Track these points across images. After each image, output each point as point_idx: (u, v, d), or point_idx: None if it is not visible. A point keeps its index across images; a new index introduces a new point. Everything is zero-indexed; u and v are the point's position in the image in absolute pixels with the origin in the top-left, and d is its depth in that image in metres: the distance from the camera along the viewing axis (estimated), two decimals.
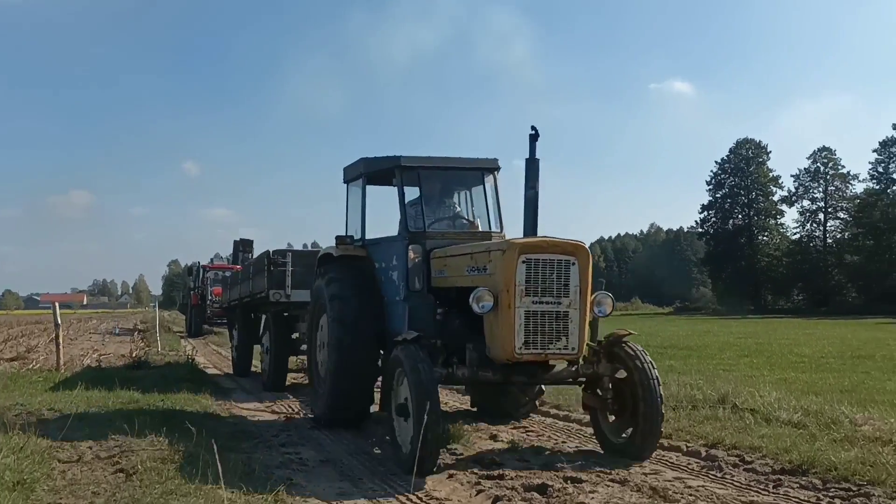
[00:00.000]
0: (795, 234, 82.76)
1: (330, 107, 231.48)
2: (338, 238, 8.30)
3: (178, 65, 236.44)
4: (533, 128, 7.43)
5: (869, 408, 8.33)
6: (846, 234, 77.84)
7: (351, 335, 7.63)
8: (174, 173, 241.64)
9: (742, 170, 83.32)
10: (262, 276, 11.41)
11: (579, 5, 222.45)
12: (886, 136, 71.81)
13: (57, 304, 12.72)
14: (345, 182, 9.03)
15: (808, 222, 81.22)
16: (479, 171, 8.38)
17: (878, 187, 72.85)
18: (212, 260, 38.34)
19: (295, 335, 11.65)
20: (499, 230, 8.17)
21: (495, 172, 8.41)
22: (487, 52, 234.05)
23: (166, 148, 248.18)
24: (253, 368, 13.83)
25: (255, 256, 37.96)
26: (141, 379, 10.41)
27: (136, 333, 30.42)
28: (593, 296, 6.65)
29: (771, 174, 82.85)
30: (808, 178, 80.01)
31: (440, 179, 8.39)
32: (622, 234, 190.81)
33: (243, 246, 35.59)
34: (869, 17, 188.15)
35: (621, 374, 6.66)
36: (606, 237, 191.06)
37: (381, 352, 7.88)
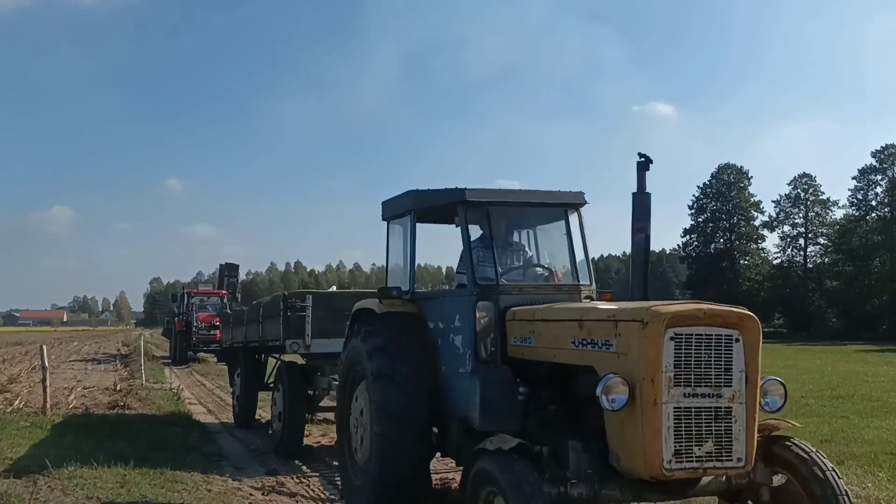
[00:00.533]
0: (777, 258, 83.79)
1: (318, 131, 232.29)
2: (381, 290, 6.73)
3: (163, 81, 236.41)
4: (642, 155, 6.14)
5: (847, 463, 8.51)
6: (826, 259, 78.83)
7: (399, 427, 6.08)
8: (157, 190, 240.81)
9: (724, 194, 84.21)
10: (277, 321, 9.74)
11: (564, 28, 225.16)
12: (865, 164, 73.04)
13: (45, 348, 12.65)
14: (385, 219, 7.46)
15: (788, 247, 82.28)
16: (562, 206, 6.82)
17: (857, 213, 73.89)
18: (196, 284, 38.09)
19: (313, 390, 10.12)
20: (588, 282, 6.68)
21: (580, 209, 6.85)
22: (467, 71, 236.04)
23: (149, 164, 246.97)
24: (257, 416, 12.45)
25: (239, 280, 35.24)
26: (129, 433, 10.26)
27: (118, 360, 29.90)
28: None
29: (752, 199, 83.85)
30: (789, 204, 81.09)
31: (513, 217, 6.97)
32: (605, 256, 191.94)
33: (229, 270, 34.06)
34: (849, 43, 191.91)
35: (780, 479, 5.19)
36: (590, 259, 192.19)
37: (435, 429, 6.34)
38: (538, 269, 7.03)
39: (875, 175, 72.74)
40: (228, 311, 13.79)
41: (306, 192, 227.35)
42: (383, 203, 7.47)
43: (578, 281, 6.67)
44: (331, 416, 10.75)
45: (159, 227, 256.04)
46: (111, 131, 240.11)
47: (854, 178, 74.32)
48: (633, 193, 6.15)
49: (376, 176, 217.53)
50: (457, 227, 6.49)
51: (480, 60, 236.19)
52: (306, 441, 10.04)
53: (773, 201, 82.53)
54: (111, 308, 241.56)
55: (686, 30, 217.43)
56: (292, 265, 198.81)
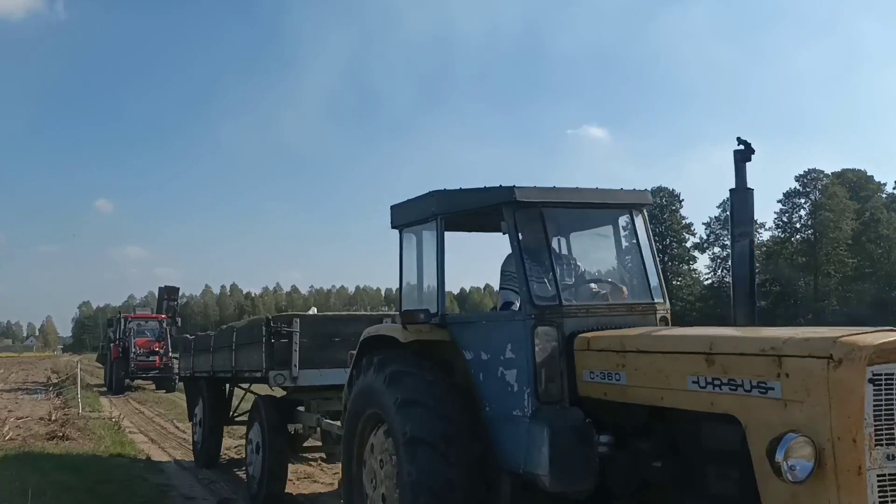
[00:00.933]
0: (708, 279, 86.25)
1: (252, 151, 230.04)
2: (406, 314, 5.51)
3: (93, 98, 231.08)
4: (741, 141, 4.88)
5: None
6: (755, 280, 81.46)
7: (440, 487, 4.82)
8: (85, 210, 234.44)
9: (656, 217, 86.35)
10: (257, 349, 8.29)
11: (502, 57, 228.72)
12: (790, 188, 76.03)
13: None
14: (397, 227, 6.31)
15: (719, 268, 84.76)
16: (627, 208, 5.72)
17: (783, 235, 76.75)
18: (133, 308, 36.17)
19: (296, 427, 8.46)
20: (662, 300, 5.57)
21: (645, 210, 5.86)
22: (400, 91, 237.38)
23: (77, 184, 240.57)
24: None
25: (178, 304, 35.84)
26: (72, 465, 10.07)
27: (50, 389, 28.16)
28: None
29: (684, 221, 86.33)
30: (719, 226, 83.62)
31: (568, 221, 5.86)
32: None
33: (168, 294, 33.89)
34: (771, 69, 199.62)
35: None
36: None
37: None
38: (603, 284, 5.76)
39: (799, 198, 75.83)
40: (188, 336, 12.19)
41: (240, 214, 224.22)
42: (394, 207, 6.28)
43: (652, 298, 5.52)
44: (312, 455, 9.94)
45: (87, 249, 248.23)
46: (36, 150, 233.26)
47: (779, 201, 77.34)
48: (731, 190, 4.97)
49: (313, 195, 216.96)
50: (504, 233, 5.29)
51: (416, 78, 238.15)
52: (287, 488, 8.66)
53: (703, 223, 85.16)
54: (37, 333, 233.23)
55: (617, 54, 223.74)
56: (228, 288, 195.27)
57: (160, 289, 34.03)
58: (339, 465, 6.55)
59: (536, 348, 4.85)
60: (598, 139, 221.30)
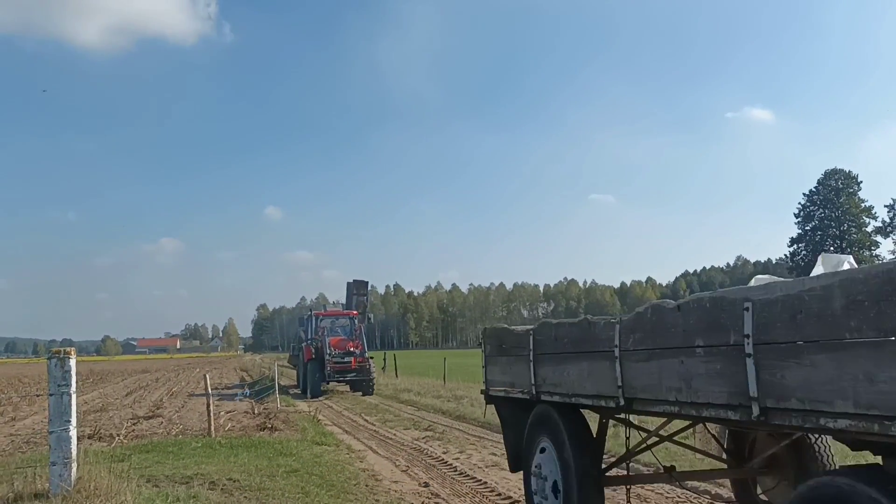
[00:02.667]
0: None
1: (407, 158, 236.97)
2: None
3: (261, 118, 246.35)
4: None
5: None
6: None
7: None
8: (258, 218, 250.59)
9: (832, 201, 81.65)
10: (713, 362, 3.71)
11: (645, 35, 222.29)
12: None
13: (208, 377, 14.01)
14: None
15: None
16: None
17: None
18: (324, 306, 31.50)
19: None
20: None
21: None
22: (547, 86, 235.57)
23: (249, 193, 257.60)
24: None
25: (368, 299, 30.83)
26: (288, 451, 11.40)
27: (248, 391, 27.10)
28: None
29: (863, 204, 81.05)
30: None
31: None
32: (708, 268, 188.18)
33: (357, 288, 30.38)
34: None
35: None
36: (692, 271, 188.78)
37: None
38: None
39: None
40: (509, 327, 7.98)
41: (401, 218, 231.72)
42: None
43: None
44: None
45: (261, 254, 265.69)
46: (213, 165, 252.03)
47: None
48: None
49: (466, 199, 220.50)
50: None
51: (565, 75, 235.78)
52: None
53: (885, 206, 79.52)
54: (220, 334, 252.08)
55: (779, 32, 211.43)
56: (392, 287, 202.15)
57: (349, 284, 30.80)
58: None
59: None
60: (763, 122, 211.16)
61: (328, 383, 26.80)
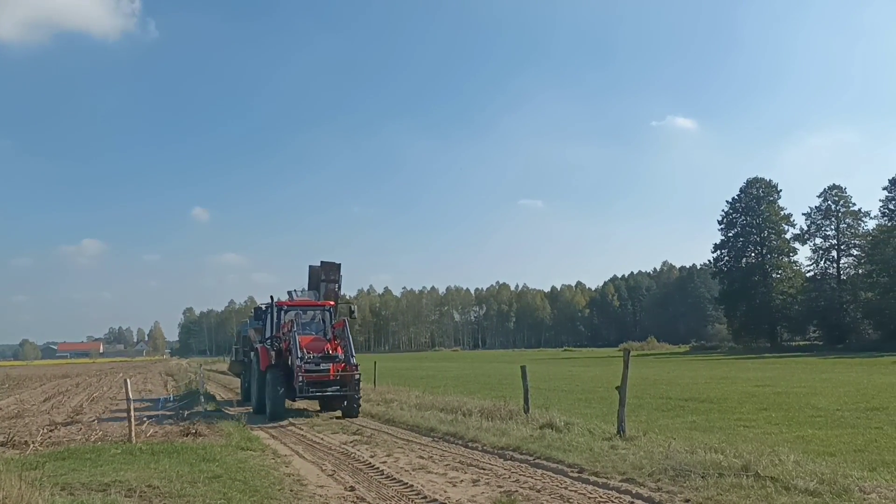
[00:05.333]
0: (809, 271, 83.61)
1: (340, 160, 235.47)
2: None
3: (186, 112, 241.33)
4: None
5: (879, 470, 9.18)
6: (860, 270, 78.46)
7: None
8: (184, 219, 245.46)
9: (753, 209, 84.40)
10: None
11: (572, 46, 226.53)
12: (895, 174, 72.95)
13: (129, 382, 13.64)
14: None
15: (821, 259, 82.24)
16: None
17: (889, 224, 73.68)
18: (291, 294, 22.57)
19: None
20: None
21: None
22: (487, 94, 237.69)
23: (173, 193, 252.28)
24: None
25: (340, 286, 22.20)
26: (211, 457, 11.23)
27: (173, 402, 24.40)
28: None
29: (782, 212, 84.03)
30: (820, 216, 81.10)
31: None
32: (635, 273, 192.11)
33: (326, 272, 22.80)
34: (869, 51, 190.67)
35: None
36: (620, 275, 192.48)
37: None
38: None
39: None
40: None
41: (328, 218, 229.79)
42: None
43: None
44: None
45: (188, 257, 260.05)
46: (133, 162, 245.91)
47: (885, 188, 74.34)
48: None
49: (399, 202, 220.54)
50: None
51: (510, 81, 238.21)
52: None
53: (803, 214, 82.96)
54: (146, 338, 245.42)
55: (701, 44, 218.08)
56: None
57: (312, 268, 23.13)
58: None
59: None
60: (686, 130, 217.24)
61: (295, 400, 19.82)
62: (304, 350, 18.58)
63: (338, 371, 18.51)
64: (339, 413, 19.06)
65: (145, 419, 17.22)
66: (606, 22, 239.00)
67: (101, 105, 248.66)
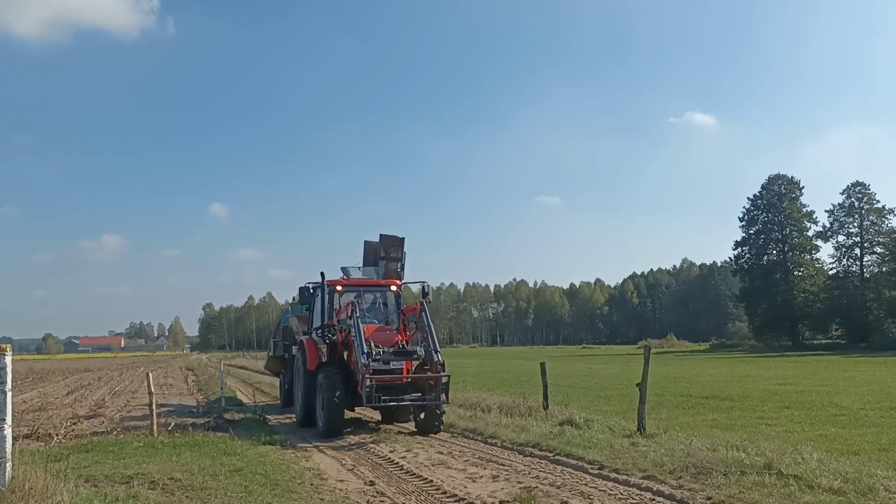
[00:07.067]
0: (832, 269, 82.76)
1: (356, 158, 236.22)
2: None
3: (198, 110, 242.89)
4: None
5: None
6: (884, 268, 77.54)
7: None
8: (202, 215, 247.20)
9: (775, 206, 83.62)
10: None
11: (588, 38, 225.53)
12: None
13: (150, 375, 13.75)
14: None
15: (844, 257, 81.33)
16: None
17: None
18: (345, 271, 17.77)
19: None
20: None
21: None
22: (504, 90, 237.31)
23: (192, 189, 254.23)
24: None
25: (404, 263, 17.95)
26: (233, 450, 11.32)
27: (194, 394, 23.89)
28: None
29: (804, 209, 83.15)
30: (843, 213, 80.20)
31: None
32: (654, 270, 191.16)
33: (387, 248, 18.18)
34: (890, 44, 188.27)
35: None
36: (639, 273, 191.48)
37: None
38: None
39: None
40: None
41: (347, 217, 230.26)
42: None
43: None
44: None
45: (207, 252, 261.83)
46: (152, 159, 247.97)
47: None
48: None
49: (418, 198, 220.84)
50: None
51: (527, 78, 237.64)
52: None
53: (826, 211, 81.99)
54: (166, 333, 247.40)
55: (719, 39, 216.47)
56: None
57: (368, 244, 18.53)
58: None
59: None
60: (705, 126, 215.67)
61: (353, 409, 16.16)
62: (372, 343, 14.18)
63: (410, 371, 14.72)
64: (410, 425, 15.46)
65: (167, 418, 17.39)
66: (623, 18, 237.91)
67: (120, 102, 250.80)
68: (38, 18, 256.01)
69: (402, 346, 14.70)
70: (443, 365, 14.01)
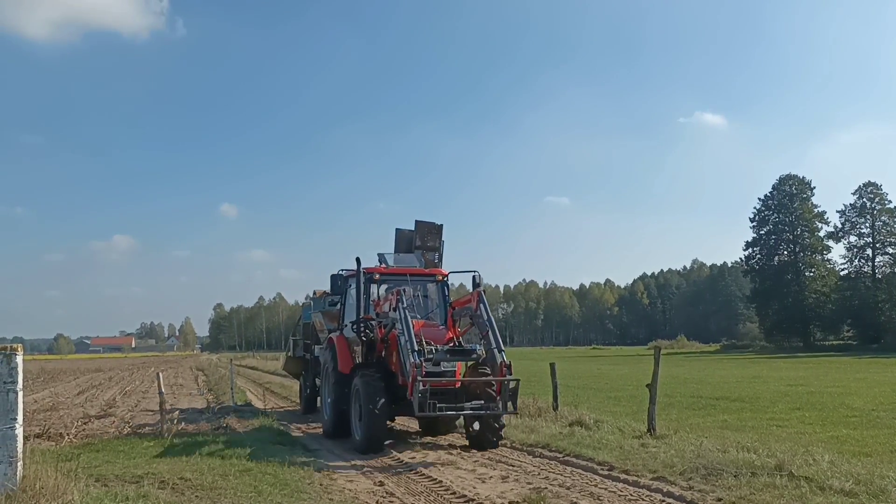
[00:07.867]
0: (843, 269, 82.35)
1: (365, 159, 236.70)
2: None
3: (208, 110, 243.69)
4: None
5: None
6: (895, 269, 77.08)
7: None
8: (212, 215, 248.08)
9: (786, 206, 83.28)
10: None
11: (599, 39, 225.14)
12: None
13: (161, 376, 13.80)
14: None
15: (855, 258, 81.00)
16: None
17: None
18: (382, 258, 15.21)
19: None
20: None
21: None
22: (515, 90, 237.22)
23: (202, 190, 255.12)
24: None
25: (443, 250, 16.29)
26: (243, 450, 11.37)
27: (205, 395, 23.36)
28: None
29: (816, 210, 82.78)
30: (855, 214, 79.85)
31: None
32: (665, 270, 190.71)
33: (423, 235, 16.48)
34: None
35: None
36: (649, 273, 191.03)
37: None
38: None
39: None
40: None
41: (358, 218, 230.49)
42: None
43: None
44: None
45: (217, 252, 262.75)
46: (162, 159, 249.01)
47: None
48: None
49: (421, 198, 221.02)
50: None
51: (536, 78, 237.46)
52: None
53: (837, 211, 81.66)
54: (177, 333, 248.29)
55: (729, 39, 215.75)
56: None
57: (400, 231, 16.67)
58: None
59: None
60: (715, 127, 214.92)
61: (393, 420, 13.66)
62: (417, 339, 11.88)
63: (467, 376, 12.72)
64: (462, 439, 13.22)
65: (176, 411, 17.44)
66: (633, 17, 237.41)
67: (130, 103, 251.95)
68: (47, 20, 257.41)
69: (458, 342, 12.74)
70: (509, 367, 11.75)
